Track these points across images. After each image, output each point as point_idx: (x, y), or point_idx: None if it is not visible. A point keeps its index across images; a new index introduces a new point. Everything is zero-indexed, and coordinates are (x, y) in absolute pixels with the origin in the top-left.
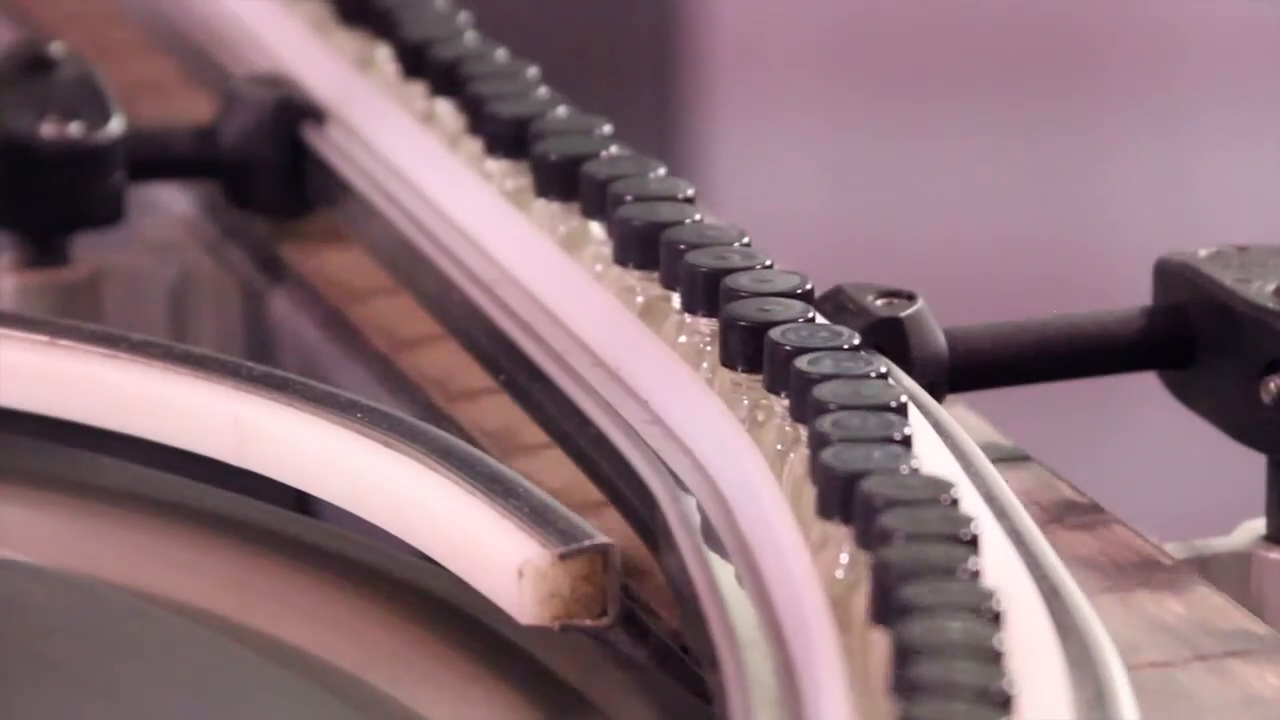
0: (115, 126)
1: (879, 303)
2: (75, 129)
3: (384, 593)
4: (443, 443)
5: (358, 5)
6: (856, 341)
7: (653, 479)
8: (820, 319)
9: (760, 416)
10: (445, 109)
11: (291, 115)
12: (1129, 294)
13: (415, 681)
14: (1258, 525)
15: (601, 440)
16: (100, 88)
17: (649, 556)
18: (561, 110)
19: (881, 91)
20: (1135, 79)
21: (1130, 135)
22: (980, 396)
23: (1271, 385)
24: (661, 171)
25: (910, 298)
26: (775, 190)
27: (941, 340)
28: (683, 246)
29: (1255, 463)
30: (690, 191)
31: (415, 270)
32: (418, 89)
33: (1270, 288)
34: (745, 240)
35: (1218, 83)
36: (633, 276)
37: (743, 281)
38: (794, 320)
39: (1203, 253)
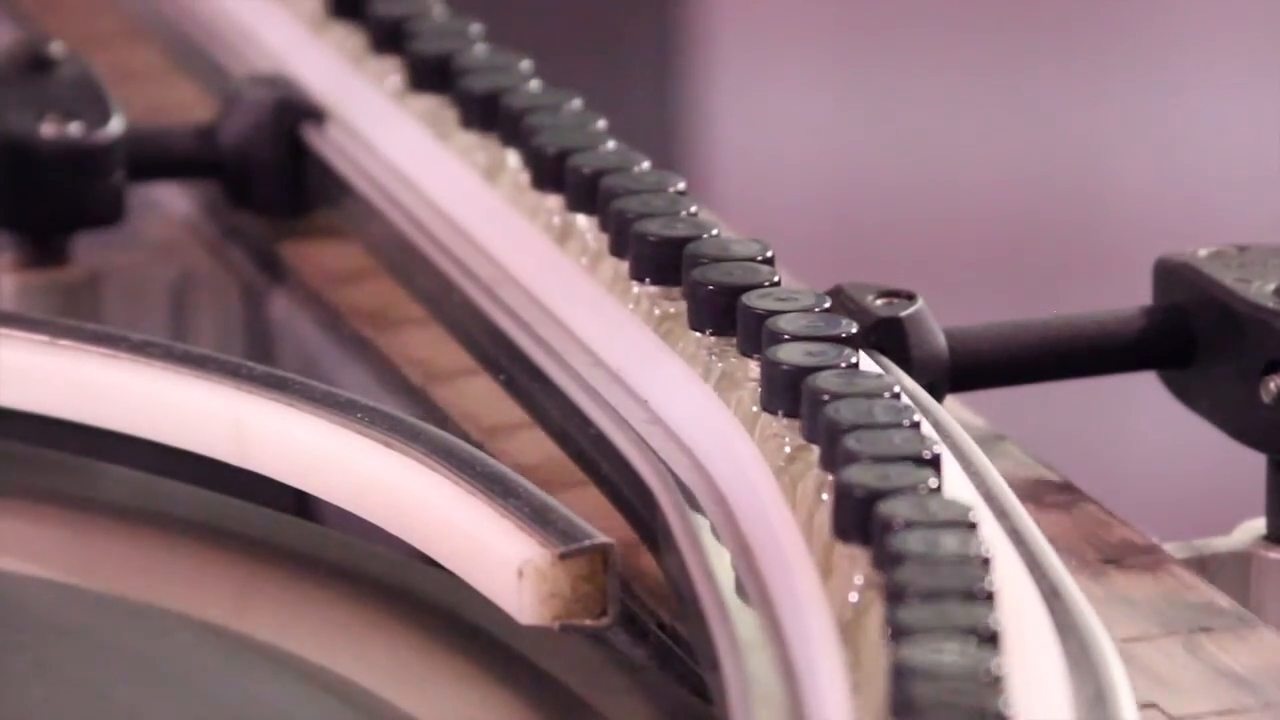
0: (115, 126)
1: (879, 302)
2: (75, 129)
3: (382, 598)
4: (443, 443)
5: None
6: (969, 521)
7: (653, 479)
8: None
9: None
10: (585, 224)
11: (291, 115)
12: (1123, 223)
13: (414, 686)
14: (1258, 525)
15: (601, 440)
16: (100, 88)
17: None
18: (716, 233)
19: (880, 31)
20: (1130, 16)
21: (1125, 71)
22: (980, 396)
23: (1271, 385)
24: (826, 304)
25: (910, 297)
26: (773, 125)
27: (941, 340)
28: (826, 398)
29: (1255, 463)
30: (852, 329)
31: (412, 265)
32: (553, 202)
33: (1270, 288)
34: (894, 390)
35: (1210, 21)
36: (780, 424)
37: (852, 445)
38: (908, 490)
39: (1203, 253)
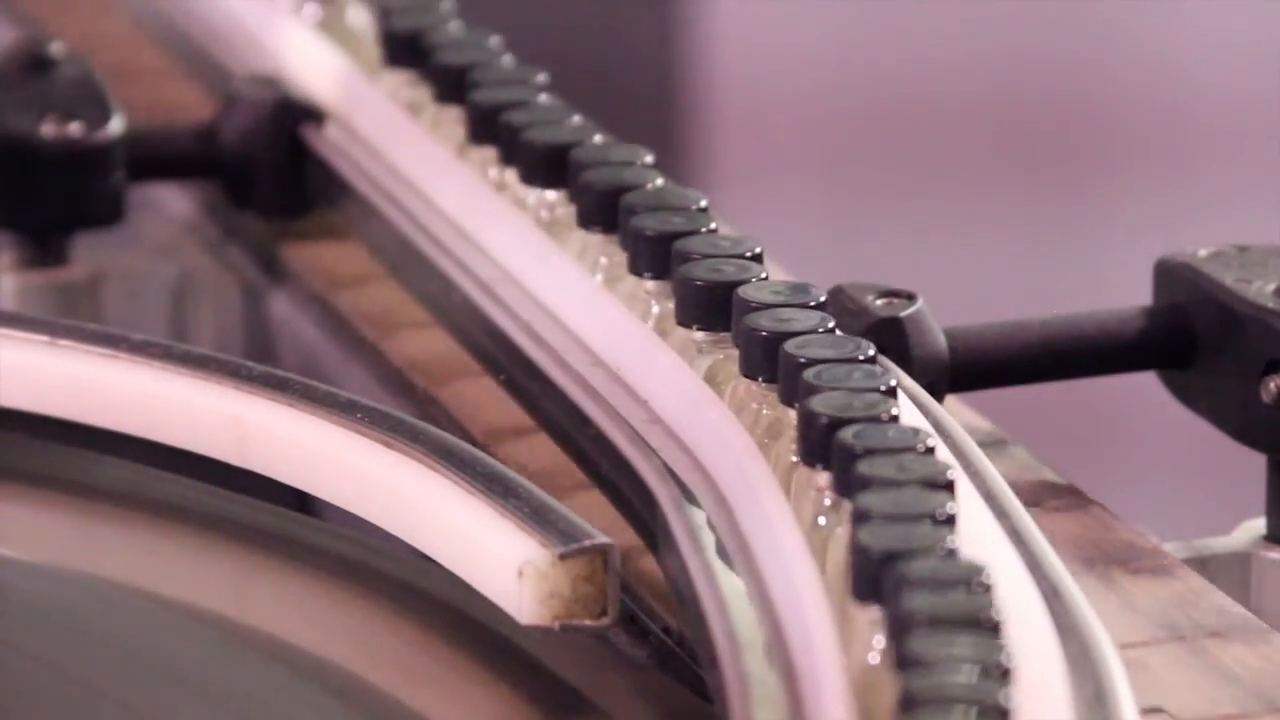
0: (115, 126)
1: (879, 303)
2: (75, 129)
3: (385, 593)
4: (443, 443)
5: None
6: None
7: (653, 479)
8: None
9: None
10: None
11: (291, 115)
12: (1130, 109)
13: (416, 681)
14: (1258, 525)
15: (601, 440)
16: (100, 88)
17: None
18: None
19: None
20: None
21: None
22: (981, 396)
23: (1271, 385)
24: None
25: (910, 298)
26: (774, 18)
27: (941, 340)
28: (864, 474)
29: (1255, 463)
30: (889, 382)
31: (412, 265)
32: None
33: (1270, 288)
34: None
35: None
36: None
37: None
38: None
39: (1203, 253)
